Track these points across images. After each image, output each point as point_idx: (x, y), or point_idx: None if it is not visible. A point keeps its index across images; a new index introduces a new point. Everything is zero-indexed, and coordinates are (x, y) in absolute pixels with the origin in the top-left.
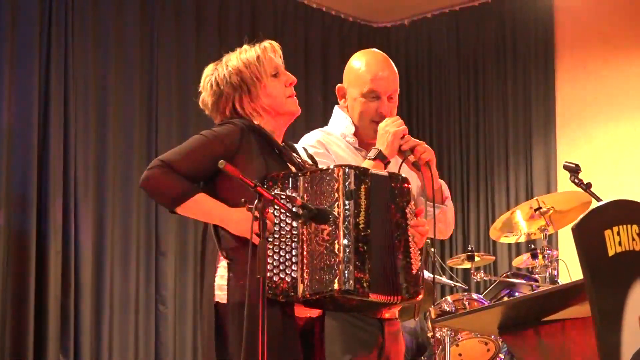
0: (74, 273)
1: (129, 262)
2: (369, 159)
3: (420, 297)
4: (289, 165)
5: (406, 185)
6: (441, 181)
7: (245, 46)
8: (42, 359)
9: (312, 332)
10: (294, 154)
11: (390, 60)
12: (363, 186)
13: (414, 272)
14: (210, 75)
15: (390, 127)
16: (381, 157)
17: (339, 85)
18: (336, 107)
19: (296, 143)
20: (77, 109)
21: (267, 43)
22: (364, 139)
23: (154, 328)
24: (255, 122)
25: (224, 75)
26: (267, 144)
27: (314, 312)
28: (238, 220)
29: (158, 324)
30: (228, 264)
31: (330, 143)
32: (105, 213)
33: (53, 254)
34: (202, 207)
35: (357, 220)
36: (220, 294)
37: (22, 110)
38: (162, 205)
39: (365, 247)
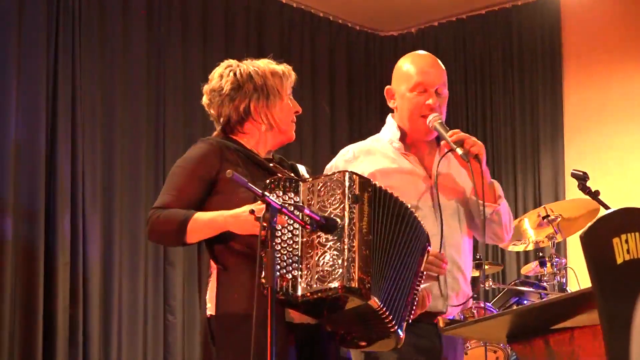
0: (82, 284)
1: (137, 273)
2: None
3: (402, 338)
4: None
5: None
6: (494, 181)
7: (270, 60)
8: None
9: (316, 339)
10: (283, 168)
11: (438, 59)
12: (366, 194)
13: (402, 300)
14: (235, 67)
15: None
16: None
17: (387, 87)
18: (389, 115)
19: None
20: (85, 121)
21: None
22: (414, 141)
23: (162, 338)
24: (242, 139)
25: (250, 72)
26: (248, 158)
27: (309, 320)
28: (240, 220)
29: (167, 335)
30: (218, 274)
31: (372, 152)
32: (113, 224)
33: (61, 266)
34: (203, 223)
35: (361, 224)
36: (211, 307)
37: (30, 123)
38: (176, 246)
39: (367, 252)
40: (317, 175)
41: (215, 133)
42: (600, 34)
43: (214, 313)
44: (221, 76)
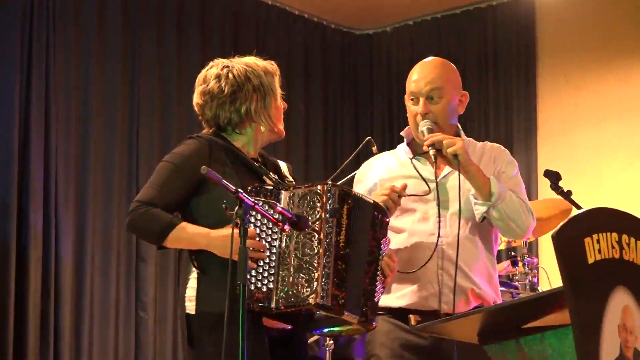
0: (54, 279)
1: (109, 269)
2: None
3: (375, 326)
4: (265, 179)
5: (386, 219)
6: (491, 177)
7: (256, 58)
8: None
9: (291, 342)
10: (270, 170)
11: (437, 61)
12: (345, 206)
13: (376, 300)
14: (230, 67)
15: (376, 196)
16: None
17: None
18: None
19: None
20: (59, 116)
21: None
22: (416, 147)
23: (134, 334)
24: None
25: (247, 72)
26: (236, 158)
27: (286, 325)
28: (223, 245)
29: (138, 330)
30: (198, 274)
31: (381, 160)
32: (85, 220)
33: (33, 261)
34: (185, 236)
35: (338, 238)
36: (189, 305)
37: (3, 118)
38: (151, 243)
39: (343, 266)
40: (299, 184)
41: (205, 131)
42: (574, 34)
43: (193, 312)
44: (219, 77)
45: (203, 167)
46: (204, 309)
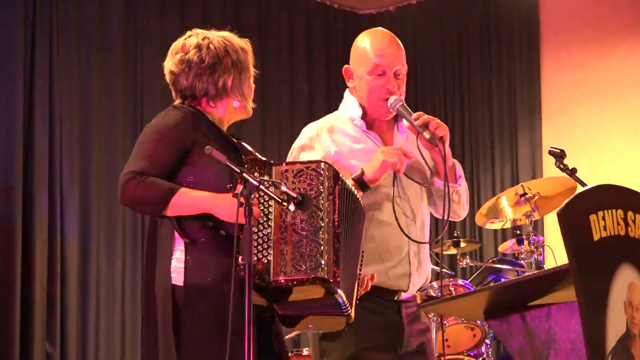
0: (60, 261)
1: (114, 251)
2: (351, 178)
3: (352, 312)
4: (243, 154)
5: (361, 202)
6: (455, 160)
7: (231, 33)
8: (29, 346)
9: (265, 320)
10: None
11: (396, 38)
12: (337, 186)
13: (358, 290)
14: (211, 38)
15: (385, 155)
16: (361, 184)
17: (346, 66)
18: (346, 90)
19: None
20: (62, 98)
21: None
22: (373, 120)
23: (140, 316)
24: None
25: (226, 46)
26: (217, 132)
27: (262, 302)
28: (228, 206)
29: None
30: (186, 245)
31: (334, 130)
32: (91, 201)
33: (39, 243)
34: (188, 200)
35: (333, 217)
36: (177, 277)
37: (7, 100)
38: (150, 214)
39: (338, 244)
40: (292, 160)
41: (177, 102)
42: (578, 12)
43: (181, 284)
44: (199, 47)
45: (207, 147)
46: (194, 280)
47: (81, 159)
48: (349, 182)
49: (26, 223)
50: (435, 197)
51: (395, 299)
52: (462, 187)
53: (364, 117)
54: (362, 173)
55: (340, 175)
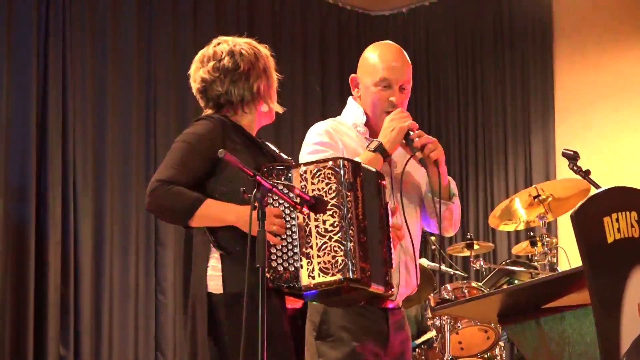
0: (73, 263)
1: (128, 253)
2: (369, 150)
3: (393, 292)
4: (274, 159)
5: (384, 183)
6: (450, 178)
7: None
8: (42, 349)
9: (296, 324)
10: (274, 149)
11: (404, 52)
12: (358, 179)
13: (393, 267)
14: (241, 45)
15: (397, 121)
16: (381, 151)
17: (353, 75)
18: (350, 97)
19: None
20: (76, 99)
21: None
22: (375, 129)
23: (154, 318)
24: (241, 116)
25: (255, 52)
26: (247, 138)
27: (297, 304)
28: (248, 219)
29: (158, 314)
30: (221, 255)
31: (340, 132)
32: (104, 203)
33: (52, 245)
34: (213, 213)
35: (357, 211)
36: (214, 285)
37: (21, 101)
38: (175, 224)
39: (365, 238)
40: (307, 161)
41: (209, 111)
42: (591, 13)
43: (221, 291)
44: (232, 53)
45: (220, 150)
46: (231, 289)
47: (94, 161)
48: (371, 167)
49: (40, 225)
50: (428, 212)
51: (383, 307)
52: (455, 205)
53: (367, 125)
54: (380, 143)
55: (361, 164)
